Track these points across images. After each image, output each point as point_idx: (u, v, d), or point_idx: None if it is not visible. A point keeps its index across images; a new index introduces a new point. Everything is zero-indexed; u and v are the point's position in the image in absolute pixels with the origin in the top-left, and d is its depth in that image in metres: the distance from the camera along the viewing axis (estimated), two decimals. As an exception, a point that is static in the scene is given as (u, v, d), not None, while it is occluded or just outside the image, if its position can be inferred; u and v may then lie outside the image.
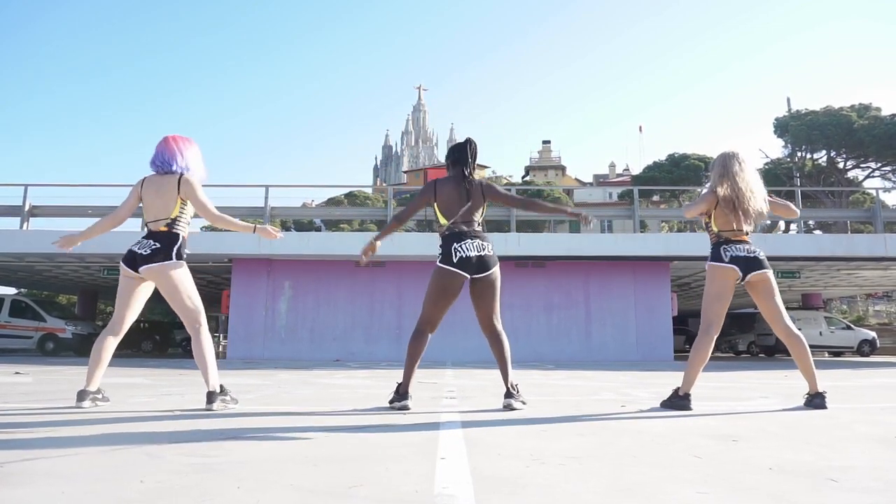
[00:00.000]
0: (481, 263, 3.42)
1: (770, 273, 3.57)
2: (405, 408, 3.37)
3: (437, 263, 3.47)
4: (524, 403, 3.54)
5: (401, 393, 3.43)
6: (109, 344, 3.51)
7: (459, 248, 3.41)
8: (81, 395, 3.41)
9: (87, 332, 16.70)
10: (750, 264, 3.52)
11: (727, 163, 3.66)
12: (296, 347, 13.42)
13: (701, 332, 3.60)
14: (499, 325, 3.53)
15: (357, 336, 13.52)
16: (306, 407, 3.64)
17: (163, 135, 3.61)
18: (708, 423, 3.00)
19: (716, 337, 3.61)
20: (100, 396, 3.52)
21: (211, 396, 3.36)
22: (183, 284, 3.43)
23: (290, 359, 12.61)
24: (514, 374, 3.55)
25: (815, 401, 3.62)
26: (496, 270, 3.49)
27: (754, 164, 3.81)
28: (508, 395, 3.44)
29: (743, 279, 3.54)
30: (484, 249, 3.44)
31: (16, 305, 16.59)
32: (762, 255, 3.57)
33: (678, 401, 3.54)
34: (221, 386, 3.45)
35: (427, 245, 13.37)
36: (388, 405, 3.45)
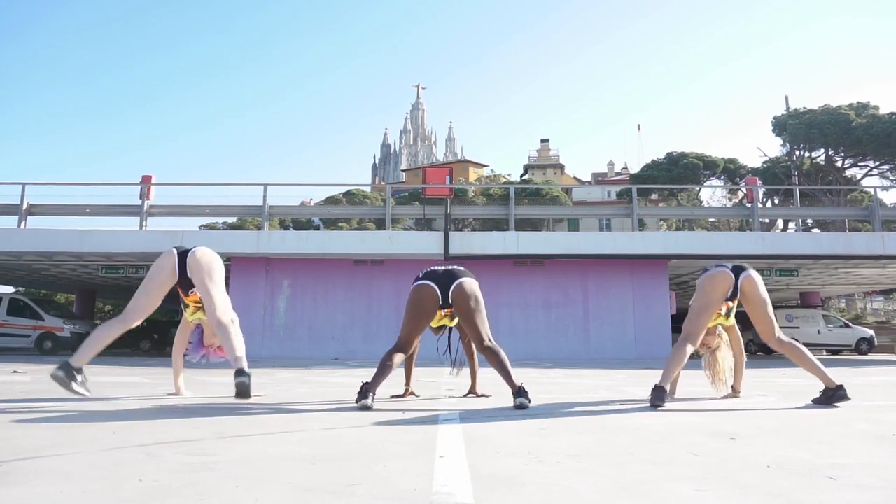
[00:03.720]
0: (449, 274, 3.72)
1: (756, 276, 3.80)
2: (365, 407, 3.37)
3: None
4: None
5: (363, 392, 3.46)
6: (114, 330, 3.70)
7: (426, 269, 3.88)
8: (66, 368, 3.48)
9: (85, 330, 16.67)
10: (737, 269, 3.83)
11: None
12: (294, 346, 13.41)
13: (680, 341, 3.76)
14: (492, 344, 3.61)
15: (355, 334, 13.52)
16: (305, 405, 3.64)
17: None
18: (706, 420, 3.00)
19: (691, 351, 3.77)
20: (80, 379, 3.55)
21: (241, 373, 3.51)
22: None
23: (289, 357, 12.60)
24: (518, 378, 3.53)
25: (839, 392, 3.58)
26: (469, 281, 3.70)
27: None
28: (519, 393, 3.41)
29: (735, 286, 3.76)
30: (452, 268, 3.81)
31: (14, 304, 16.55)
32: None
33: (656, 393, 3.56)
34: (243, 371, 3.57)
35: (425, 244, 13.38)
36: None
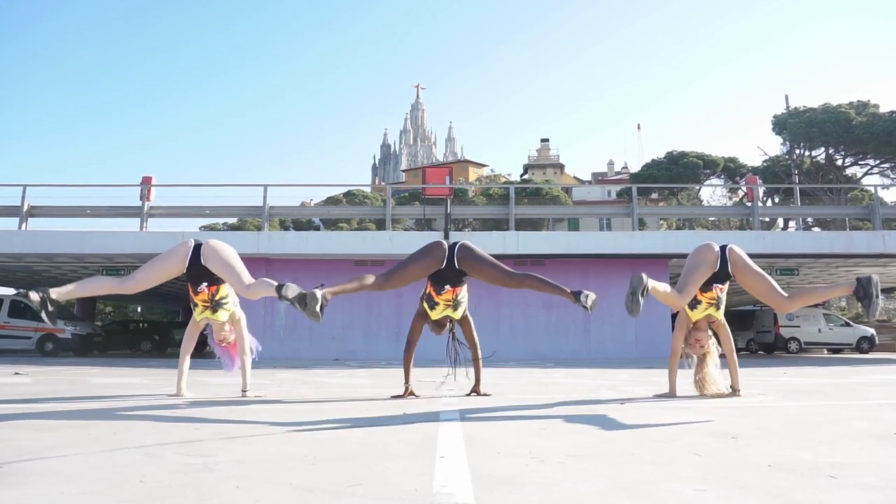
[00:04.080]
0: (453, 244, 4.03)
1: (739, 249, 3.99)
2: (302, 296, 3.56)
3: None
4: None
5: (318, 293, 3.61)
6: (106, 284, 4.03)
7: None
8: (46, 294, 3.62)
9: (85, 332, 16.67)
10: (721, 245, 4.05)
11: None
12: (295, 346, 13.41)
13: (675, 289, 4.03)
14: (518, 272, 3.95)
15: (356, 335, 13.51)
16: (305, 406, 3.64)
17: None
18: (706, 420, 3.00)
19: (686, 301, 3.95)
20: (51, 310, 3.68)
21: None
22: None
23: (290, 358, 12.60)
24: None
25: (860, 288, 3.49)
26: (467, 241, 4.09)
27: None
28: (578, 294, 3.73)
29: (723, 257, 3.95)
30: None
31: (15, 306, 16.53)
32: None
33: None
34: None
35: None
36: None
